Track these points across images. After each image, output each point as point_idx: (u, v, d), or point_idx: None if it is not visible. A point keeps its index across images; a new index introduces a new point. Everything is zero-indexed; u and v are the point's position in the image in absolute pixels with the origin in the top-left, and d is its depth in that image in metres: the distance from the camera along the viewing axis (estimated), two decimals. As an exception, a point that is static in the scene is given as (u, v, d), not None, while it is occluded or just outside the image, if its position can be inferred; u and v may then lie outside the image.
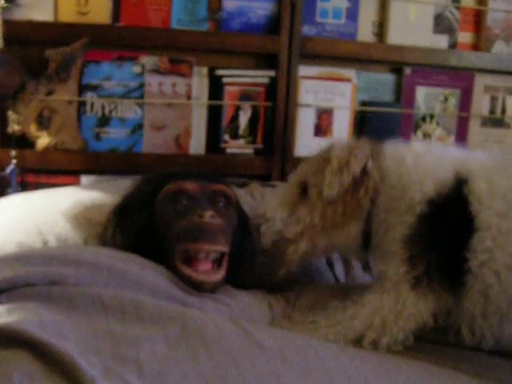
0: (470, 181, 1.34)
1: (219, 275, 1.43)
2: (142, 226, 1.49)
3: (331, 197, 1.44)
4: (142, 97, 2.13)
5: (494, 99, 2.51)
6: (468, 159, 1.43)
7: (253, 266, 1.61)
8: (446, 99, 2.45)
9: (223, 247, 1.43)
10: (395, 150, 1.48)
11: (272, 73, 2.23)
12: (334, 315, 1.40)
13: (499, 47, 2.50)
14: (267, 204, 1.56)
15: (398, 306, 1.34)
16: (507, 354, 1.39)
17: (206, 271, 1.41)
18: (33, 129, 2.05)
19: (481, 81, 2.48)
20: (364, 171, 1.44)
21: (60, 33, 2.05)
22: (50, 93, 2.04)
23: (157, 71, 2.14)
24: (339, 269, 1.82)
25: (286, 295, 1.60)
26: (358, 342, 1.35)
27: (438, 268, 1.33)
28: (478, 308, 1.31)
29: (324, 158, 1.49)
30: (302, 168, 1.57)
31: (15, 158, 2.01)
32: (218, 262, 1.44)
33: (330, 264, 1.81)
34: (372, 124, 2.35)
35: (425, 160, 1.43)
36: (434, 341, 1.40)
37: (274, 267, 1.57)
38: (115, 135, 2.13)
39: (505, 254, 1.27)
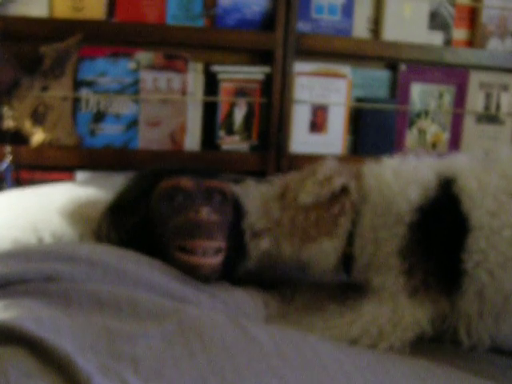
0: (459, 180, 1.34)
1: (217, 259, 1.43)
2: (138, 224, 1.49)
3: (305, 203, 1.45)
4: (137, 93, 2.13)
5: (488, 96, 2.51)
6: (450, 162, 1.43)
7: (240, 264, 1.61)
8: (440, 96, 2.45)
9: (219, 243, 1.44)
10: (373, 169, 1.48)
11: (267, 69, 2.23)
12: (332, 319, 1.39)
13: (494, 44, 2.50)
14: (249, 198, 1.57)
15: (395, 317, 1.33)
16: (503, 350, 1.39)
17: (204, 256, 1.41)
18: (28, 125, 2.04)
19: (476, 77, 2.48)
20: (344, 191, 1.44)
21: (55, 28, 2.04)
22: (44, 89, 2.04)
23: (152, 67, 2.13)
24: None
25: (282, 292, 1.60)
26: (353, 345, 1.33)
27: (434, 274, 1.33)
28: (473, 309, 1.31)
29: (311, 171, 1.49)
30: (290, 175, 1.58)
31: (10, 154, 2.01)
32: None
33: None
34: (367, 120, 2.35)
35: (403, 170, 1.43)
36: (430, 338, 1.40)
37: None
38: (110, 131, 2.13)
39: (497, 253, 1.27)
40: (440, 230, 1.33)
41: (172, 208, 1.46)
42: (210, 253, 1.42)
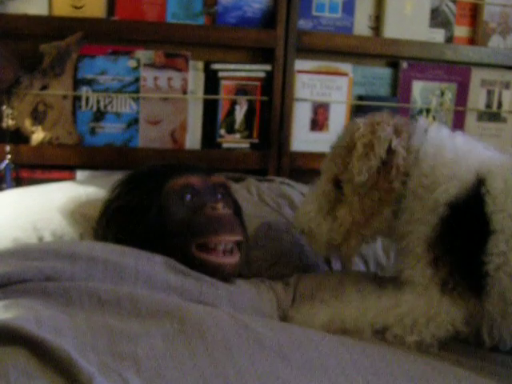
0: (488, 180, 1.32)
1: (236, 258, 1.47)
2: (152, 225, 1.48)
3: (363, 182, 1.40)
4: (137, 91, 2.12)
5: (490, 93, 2.50)
6: (491, 158, 1.41)
7: (249, 259, 1.62)
8: (442, 93, 2.44)
9: (240, 236, 1.48)
10: (437, 134, 1.45)
11: (268, 67, 2.22)
12: (368, 301, 1.40)
13: (496, 41, 2.50)
14: (304, 214, 1.53)
15: (431, 312, 1.33)
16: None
17: (224, 255, 1.44)
18: (27, 124, 2.04)
19: (477, 75, 2.47)
20: (390, 151, 1.40)
21: (55, 27, 2.03)
22: (44, 87, 2.03)
23: (152, 65, 2.12)
24: (335, 262, 1.81)
25: (284, 280, 1.59)
26: (382, 332, 1.35)
27: (460, 271, 1.32)
28: (497, 310, 1.30)
29: (347, 147, 1.47)
30: (328, 163, 1.55)
31: (10, 153, 2.00)
32: (230, 251, 1.46)
33: (328, 260, 1.80)
34: (368, 118, 2.34)
35: (457, 156, 1.40)
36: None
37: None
38: (110, 130, 2.12)
39: None
40: (465, 229, 1.32)
41: (185, 206, 1.47)
42: (230, 247, 1.45)
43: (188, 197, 1.47)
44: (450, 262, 1.33)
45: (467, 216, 1.33)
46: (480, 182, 1.32)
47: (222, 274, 1.42)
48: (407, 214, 1.41)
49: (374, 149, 1.39)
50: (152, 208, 1.48)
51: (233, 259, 1.45)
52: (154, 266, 1.33)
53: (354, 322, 1.36)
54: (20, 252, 1.28)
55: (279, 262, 1.71)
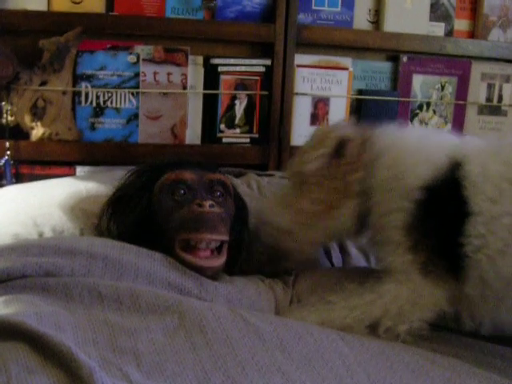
0: (465, 165, 1.34)
1: (220, 261, 1.42)
2: (140, 217, 1.48)
3: (311, 172, 1.46)
4: (136, 86, 2.12)
5: (490, 87, 2.50)
6: (463, 144, 1.44)
7: (250, 255, 1.61)
8: (442, 87, 2.44)
9: (223, 236, 1.43)
10: (392, 131, 1.50)
11: (268, 61, 2.22)
12: (352, 299, 1.40)
13: (496, 35, 2.49)
14: (268, 203, 1.60)
15: (414, 296, 1.34)
16: (508, 340, 1.39)
17: (207, 257, 1.40)
18: (27, 119, 2.03)
19: (477, 68, 2.47)
20: (341, 144, 1.46)
21: (54, 22, 2.03)
22: (43, 83, 2.03)
23: (152, 60, 2.12)
24: (336, 257, 1.81)
25: (284, 278, 1.59)
26: (373, 328, 1.35)
27: (439, 254, 1.34)
28: (477, 292, 1.31)
29: (305, 144, 1.55)
30: (293, 160, 1.59)
31: (9, 149, 2.00)
32: (217, 250, 1.43)
33: (327, 252, 1.80)
34: (369, 112, 2.34)
35: (422, 144, 1.44)
36: (434, 326, 1.40)
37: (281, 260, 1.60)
38: (110, 125, 2.12)
39: (497, 240, 1.27)
40: (443, 212, 1.34)
41: (174, 201, 1.46)
42: (213, 246, 1.41)
43: (181, 192, 1.46)
44: (429, 245, 1.34)
45: (443, 199, 1.35)
46: (456, 166, 1.35)
47: (205, 276, 1.39)
48: (379, 207, 1.43)
49: (324, 141, 1.47)
50: (142, 201, 1.49)
51: (216, 262, 1.41)
52: (154, 263, 1.33)
53: (342, 321, 1.36)
54: (20, 248, 1.28)
55: (279, 256, 1.71)
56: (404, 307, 1.34)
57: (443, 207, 1.35)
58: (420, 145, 1.44)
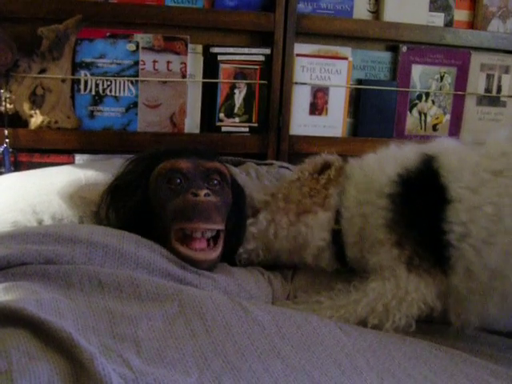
0: (439, 157, 1.39)
1: (216, 253, 1.43)
2: (136, 206, 1.48)
3: (291, 179, 1.60)
4: (136, 75, 2.11)
5: (489, 78, 2.50)
6: (435, 143, 1.51)
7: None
8: (441, 77, 2.44)
9: (219, 225, 1.43)
10: (358, 158, 1.60)
11: (267, 50, 2.22)
12: (338, 298, 1.42)
13: (495, 25, 2.50)
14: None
15: (400, 292, 1.35)
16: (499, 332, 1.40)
17: (203, 249, 1.40)
18: (26, 107, 2.03)
19: (477, 59, 2.47)
20: (325, 166, 1.60)
21: (53, 10, 2.01)
22: (43, 71, 2.02)
23: (151, 49, 2.12)
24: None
25: (283, 272, 1.60)
26: (360, 324, 1.35)
27: (423, 245, 1.36)
28: (463, 286, 1.33)
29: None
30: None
31: (8, 137, 1.99)
32: (213, 240, 1.43)
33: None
34: (368, 102, 2.34)
35: (383, 153, 1.54)
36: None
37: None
38: (109, 114, 2.11)
39: (480, 229, 1.29)
40: (421, 202, 1.38)
41: (170, 190, 1.45)
42: (209, 235, 1.41)
43: (177, 181, 1.46)
44: (412, 236, 1.37)
45: (417, 190, 1.40)
46: (428, 159, 1.40)
47: (200, 269, 1.39)
48: (355, 221, 1.50)
49: (312, 160, 1.63)
50: (139, 189, 1.49)
51: (211, 255, 1.42)
52: (154, 253, 1.33)
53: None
54: (20, 235, 1.28)
55: None
56: (390, 304, 1.35)
57: (418, 198, 1.38)
58: (383, 155, 1.53)
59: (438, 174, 1.37)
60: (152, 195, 1.47)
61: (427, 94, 2.44)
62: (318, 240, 1.54)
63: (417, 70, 2.41)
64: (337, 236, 1.53)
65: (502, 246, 1.28)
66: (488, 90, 2.50)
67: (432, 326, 1.41)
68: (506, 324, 1.39)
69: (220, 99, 2.21)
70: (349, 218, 1.51)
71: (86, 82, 2.08)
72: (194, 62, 2.18)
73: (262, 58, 2.22)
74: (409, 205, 1.39)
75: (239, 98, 2.22)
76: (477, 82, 2.49)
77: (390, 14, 2.35)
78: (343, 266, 1.56)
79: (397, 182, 1.41)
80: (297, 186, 1.59)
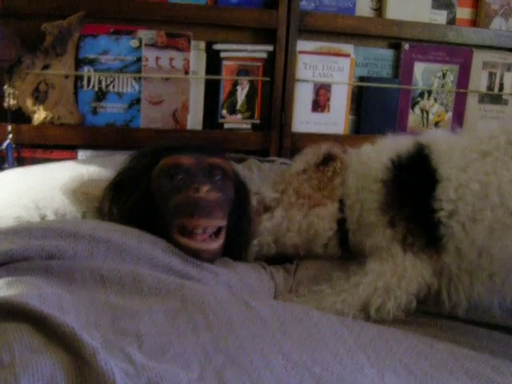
0: (431, 145, 1.47)
1: (217, 244, 1.42)
2: (138, 201, 1.48)
3: (298, 171, 1.63)
4: (139, 71, 2.12)
5: (492, 75, 2.50)
6: (427, 134, 1.58)
7: (251, 240, 1.61)
8: (444, 75, 2.44)
9: (220, 221, 1.43)
10: (357, 148, 1.66)
11: (270, 47, 2.22)
12: (339, 284, 1.45)
13: (498, 23, 2.49)
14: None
15: (398, 270, 1.39)
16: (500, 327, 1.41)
17: (204, 240, 1.40)
18: (29, 103, 2.03)
19: (479, 57, 2.47)
20: (329, 157, 1.63)
21: (56, 6, 2.02)
22: (46, 67, 2.03)
23: (154, 45, 2.12)
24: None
25: (285, 267, 1.60)
26: (364, 309, 1.38)
27: (415, 223, 1.42)
28: (454, 264, 1.37)
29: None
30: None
31: (11, 133, 2.00)
32: (215, 235, 1.43)
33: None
34: (370, 99, 2.35)
35: (380, 144, 1.61)
36: (428, 313, 1.44)
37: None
38: (112, 110, 2.12)
39: (466, 206, 1.35)
40: (412, 184, 1.44)
41: (172, 186, 1.45)
42: (210, 231, 1.42)
43: (179, 177, 1.46)
44: (404, 215, 1.42)
45: (409, 173, 1.46)
46: (420, 147, 1.48)
47: (202, 260, 1.39)
48: (355, 207, 1.56)
49: (315, 151, 1.65)
50: (141, 185, 1.49)
51: (212, 245, 1.41)
52: (156, 248, 1.33)
53: (332, 308, 1.39)
54: (22, 230, 1.28)
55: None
56: (390, 282, 1.39)
57: (410, 180, 1.45)
58: (380, 145, 1.60)
59: (429, 157, 1.43)
60: (154, 191, 1.47)
61: (429, 92, 2.44)
62: (327, 230, 1.60)
63: (419, 68, 2.41)
64: (342, 224, 1.59)
65: (487, 222, 1.32)
66: (490, 87, 2.51)
67: (433, 320, 1.41)
68: (497, 307, 1.41)
69: (222, 96, 2.21)
70: (350, 205, 1.57)
71: (89, 78, 2.09)
72: (197, 58, 2.19)
73: (264, 55, 2.22)
74: (401, 187, 1.45)
75: (242, 94, 2.22)
76: (479, 80, 2.49)
77: (393, 11, 2.35)
78: (347, 252, 1.61)
79: (390, 167, 1.47)
80: (305, 179, 1.63)
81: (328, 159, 1.64)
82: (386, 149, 1.54)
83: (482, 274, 1.35)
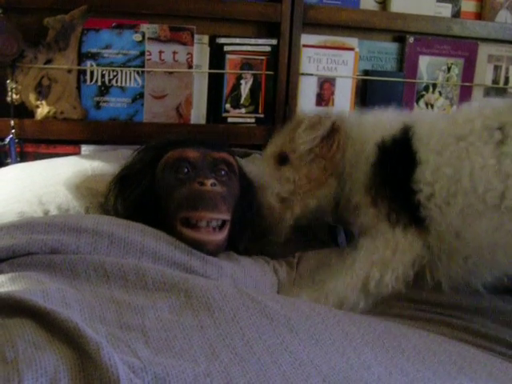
0: (415, 126, 1.50)
1: (221, 235, 1.42)
2: (143, 194, 1.48)
3: (304, 152, 1.60)
4: (142, 65, 2.11)
5: (497, 69, 2.49)
6: (419, 114, 1.71)
7: (255, 235, 1.61)
8: (449, 69, 2.43)
9: (224, 215, 1.42)
10: (357, 115, 1.69)
11: (274, 41, 2.21)
12: (336, 268, 1.48)
13: (503, 16, 2.48)
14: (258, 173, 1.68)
15: (391, 243, 1.44)
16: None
17: (208, 232, 1.40)
18: (32, 98, 2.03)
19: (484, 50, 2.46)
20: (333, 129, 1.60)
21: (59, 0, 2.01)
22: (49, 61, 2.02)
23: (157, 39, 2.11)
24: (342, 243, 1.82)
25: (288, 260, 1.60)
26: (364, 287, 1.42)
27: (397, 202, 1.46)
28: (435, 245, 1.43)
29: (294, 126, 1.65)
30: (275, 140, 1.71)
31: (14, 127, 1.99)
32: (219, 229, 1.43)
33: (334, 237, 1.80)
34: (374, 93, 2.34)
35: (379, 117, 1.61)
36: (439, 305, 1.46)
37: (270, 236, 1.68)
38: (115, 104, 2.11)
39: (442, 188, 1.40)
40: (396, 166, 1.48)
41: (177, 179, 1.45)
42: (214, 225, 1.41)
43: (185, 170, 1.46)
44: (386, 196, 1.47)
45: (395, 156, 1.49)
46: (407, 129, 1.50)
47: (205, 251, 1.39)
48: (348, 181, 1.59)
49: (320, 122, 1.60)
50: (146, 178, 1.49)
51: (216, 236, 1.41)
52: (159, 241, 1.33)
53: (335, 293, 1.42)
54: (25, 225, 1.28)
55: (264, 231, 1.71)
56: (385, 255, 1.43)
57: (395, 163, 1.48)
58: (378, 118, 1.61)
59: (411, 140, 1.47)
60: (159, 184, 1.47)
61: (434, 86, 2.43)
62: (328, 206, 1.64)
63: (424, 61, 2.40)
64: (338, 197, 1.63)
65: (460, 206, 1.38)
66: (495, 81, 2.50)
67: (442, 317, 1.41)
68: (480, 287, 1.48)
69: (226, 90, 2.20)
70: (345, 178, 1.60)
71: (92, 73, 2.08)
72: (201, 52, 2.18)
73: (268, 49, 2.21)
74: (386, 169, 1.49)
75: (245, 88, 2.21)
76: (484, 74, 2.48)
77: (397, 4, 2.34)
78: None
79: (380, 151, 1.51)
80: (312, 159, 1.61)
81: (332, 131, 1.62)
82: (380, 127, 1.56)
83: (458, 256, 1.42)
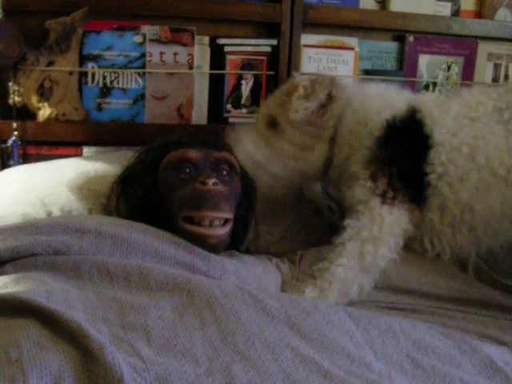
0: (423, 109, 1.57)
1: (224, 230, 1.42)
2: (145, 195, 1.49)
3: (296, 120, 1.63)
4: (143, 67, 2.12)
5: (497, 67, 2.49)
6: (420, 96, 1.68)
7: (256, 234, 1.62)
8: (448, 67, 2.44)
9: (226, 214, 1.43)
10: (359, 83, 1.75)
11: (274, 41, 2.22)
12: (332, 254, 1.50)
13: (502, 14, 2.48)
14: (247, 148, 1.69)
15: (376, 220, 1.48)
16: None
17: (210, 227, 1.41)
18: (34, 100, 2.04)
19: (484, 48, 2.46)
20: (329, 96, 1.65)
21: (60, 2, 2.02)
22: (50, 63, 2.03)
23: (158, 41, 2.12)
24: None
25: (290, 258, 1.61)
26: (360, 263, 1.46)
27: (400, 181, 1.50)
28: (437, 219, 1.50)
29: (288, 90, 1.67)
30: (268, 102, 1.76)
31: (16, 129, 2.00)
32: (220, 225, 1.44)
33: (334, 229, 1.81)
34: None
35: (384, 93, 1.66)
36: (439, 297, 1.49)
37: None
38: (117, 106, 2.12)
39: (456, 167, 1.49)
40: (404, 146, 1.53)
41: (179, 179, 1.45)
42: (217, 224, 1.41)
43: (187, 170, 1.46)
44: (388, 172, 1.51)
45: (402, 135, 1.55)
46: (414, 110, 1.57)
47: (207, 246, 1.39)
48: (343, 149, 1.64)
49: (315, 92, 1.63)
50: (148, 179, 1.49)
51: (219, 231, 1.41)
52: (162, 241, 1.33)
53: (336, 277, 1.46)
54: (29, 227, 1.29)
55: (286, 236, 1.72)
56: (373, 231, 1.47)
57: (406, 144, 1.54)
58: (384, 93, 1.66)
59: (422, 123, 1.54)
60: (161, 184, 1.47)
61: (434, 84, 2.43)
62: (312, 171, 1.71)
63: (424, 60, 2.41)
64: (327, 162, 1.69)
65: (473, 182, 1.48)
66: (495, 79, 2.50)
67: (441, 310, 1.44)
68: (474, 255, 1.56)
69: (227, 90, 2.21)
70: (340, 145, 1.65)
71: (93, 75, 2.09)
72: (201, 53, 2.19)
73: (268, 49, 2.22)
74: (393, 148, 1.54)
75: (246, 89, 2.22)
76: (484, 72, 2.48)
77: (397, 3, 2.34)
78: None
79: (385, 127, 1.56)
80: (306, 130, 1.66)
81: (326, 101, 1.66)
82: (386, 103, 1.61)
83: (464, 227, 1.51)
